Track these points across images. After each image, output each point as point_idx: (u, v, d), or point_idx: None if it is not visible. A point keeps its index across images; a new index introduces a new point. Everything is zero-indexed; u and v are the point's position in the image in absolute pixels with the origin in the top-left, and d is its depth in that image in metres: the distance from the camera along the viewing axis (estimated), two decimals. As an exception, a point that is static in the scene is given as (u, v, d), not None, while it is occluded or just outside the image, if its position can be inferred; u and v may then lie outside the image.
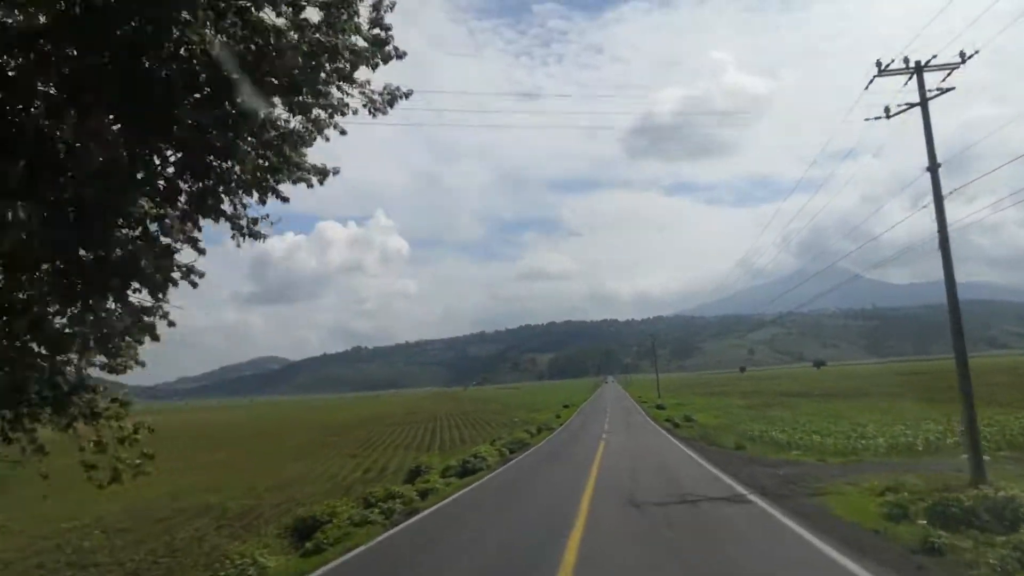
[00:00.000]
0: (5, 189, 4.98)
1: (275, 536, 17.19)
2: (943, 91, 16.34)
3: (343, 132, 7.43)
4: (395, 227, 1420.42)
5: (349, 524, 14.95)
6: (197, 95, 6.12)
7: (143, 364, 7.52)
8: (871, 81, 17.17)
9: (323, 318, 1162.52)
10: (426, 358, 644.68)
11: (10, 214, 4.79)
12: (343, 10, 6.50)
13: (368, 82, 7.14)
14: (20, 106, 5.60)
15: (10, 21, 5.16)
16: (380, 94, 7.23)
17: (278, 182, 7.05)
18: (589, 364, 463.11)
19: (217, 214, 6.81)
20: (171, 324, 7.32)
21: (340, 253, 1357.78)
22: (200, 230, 6.95)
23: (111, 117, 5.85)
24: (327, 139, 7.29)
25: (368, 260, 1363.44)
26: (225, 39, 5.81)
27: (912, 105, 16.55)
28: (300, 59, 6.24)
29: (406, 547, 12.94)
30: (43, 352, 6.61)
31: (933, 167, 16.30)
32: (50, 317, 6.39)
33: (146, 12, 5.26)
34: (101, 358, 7.18)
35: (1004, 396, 44.96)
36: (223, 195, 6.73)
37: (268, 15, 6.07)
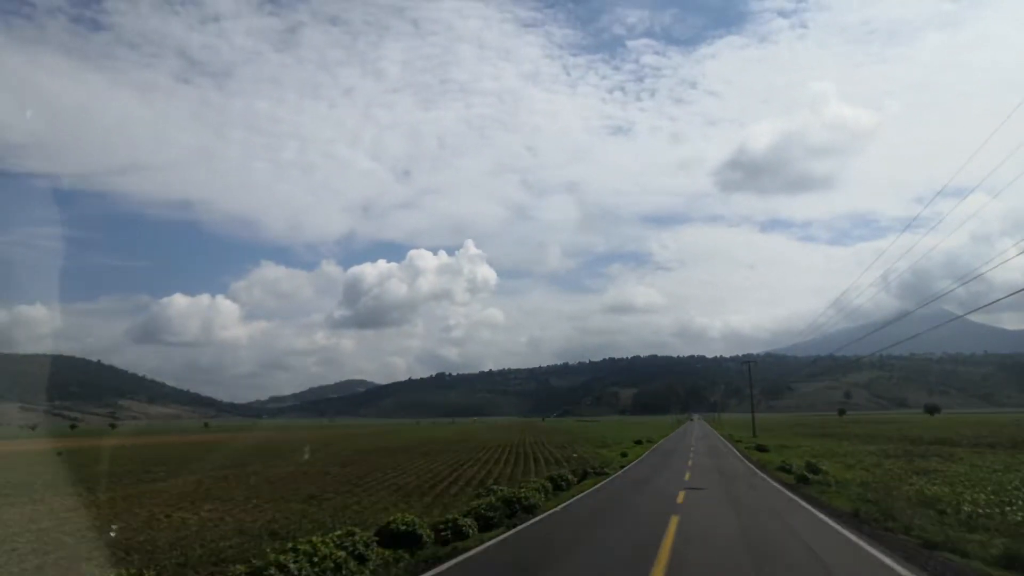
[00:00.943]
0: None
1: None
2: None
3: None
4: (484, 256, 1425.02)
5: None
6: None
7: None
8: None
9: (411, 344, 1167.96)
10: (508, 387, 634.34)
11: None
12: None
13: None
14: None
15: None
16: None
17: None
18: (673, 400, 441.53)
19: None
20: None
21: (430, 281, 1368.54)
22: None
23: None
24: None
25: (457, 289, 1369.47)
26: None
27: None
28: None
29: None
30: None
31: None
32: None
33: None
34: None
35: None
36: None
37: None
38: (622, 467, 36.79)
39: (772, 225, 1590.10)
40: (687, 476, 29.34)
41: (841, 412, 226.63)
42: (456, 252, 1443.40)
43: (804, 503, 19.95)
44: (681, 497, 21.29)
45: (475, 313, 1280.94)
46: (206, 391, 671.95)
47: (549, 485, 23.17)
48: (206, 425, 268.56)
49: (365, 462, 49.20)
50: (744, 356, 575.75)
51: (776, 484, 25.81)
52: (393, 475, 37.21)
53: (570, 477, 25.95)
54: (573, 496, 22.60)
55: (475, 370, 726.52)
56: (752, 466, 36.06)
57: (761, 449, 45.38)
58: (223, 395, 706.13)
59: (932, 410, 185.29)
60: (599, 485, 25.96)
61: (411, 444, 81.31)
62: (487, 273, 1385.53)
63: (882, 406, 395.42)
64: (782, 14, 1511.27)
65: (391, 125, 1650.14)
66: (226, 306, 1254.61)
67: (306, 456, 54.76)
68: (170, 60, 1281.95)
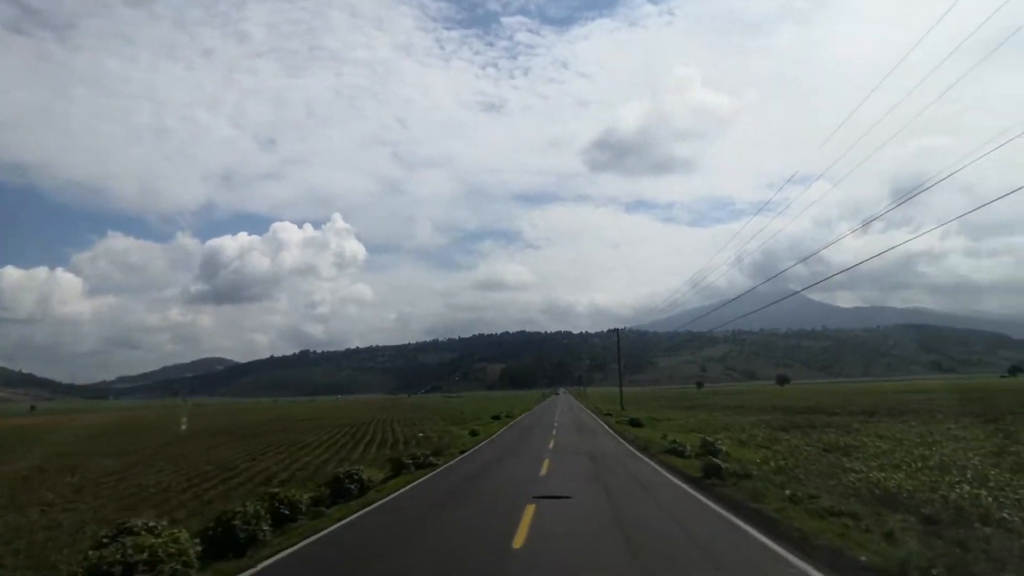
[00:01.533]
0: None
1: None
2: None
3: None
4: (352, 231, 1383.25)
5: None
6: None
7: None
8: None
9: (274, 321, 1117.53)
10: (376, 364, 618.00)
11: None
12: None
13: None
14: None
15: None
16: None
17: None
18: (541, 375, 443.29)
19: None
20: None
21: (294, 255, 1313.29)
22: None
23: None
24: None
25: (323, 263, 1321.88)
26: None
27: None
28: None
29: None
30: None
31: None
32: None
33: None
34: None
35: None
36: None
37: None
38: (462, 452, 28.15)
39: (637, 206, 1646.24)
40: (544, 467, 20.93)
41: (699, 385, 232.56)
42: (323, 226, 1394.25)
43: (758, 533, 10.77)
44: (525, 522, 11.99)
45: (342, 289, 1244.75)
46: (44, 372, 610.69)
47: (326, 491, 13.84)
48: (32, 408, 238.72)
49: (153, 452, 38.17)
50: (610, 331, 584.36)
51: (675, 479, 17.84)
52: (154, 472, 26.99)
53: (365, 478, 16.60)
54: (329, 525, 12.81)
55: (341, 347, 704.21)
56: (631, 447, 28.42)
57: (635, 424, 38.30)
58: (63, 376, 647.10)
59: (783, 381, 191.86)
60: (400, 492, 16.76)
61: (248, 424, 70.62)
62: (355, 248, 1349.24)
63: (734, 378, 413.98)
64: (651, 0, 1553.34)
65: (254, 91, 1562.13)
66: (67, 280, 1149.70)
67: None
68: (1, 7, 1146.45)
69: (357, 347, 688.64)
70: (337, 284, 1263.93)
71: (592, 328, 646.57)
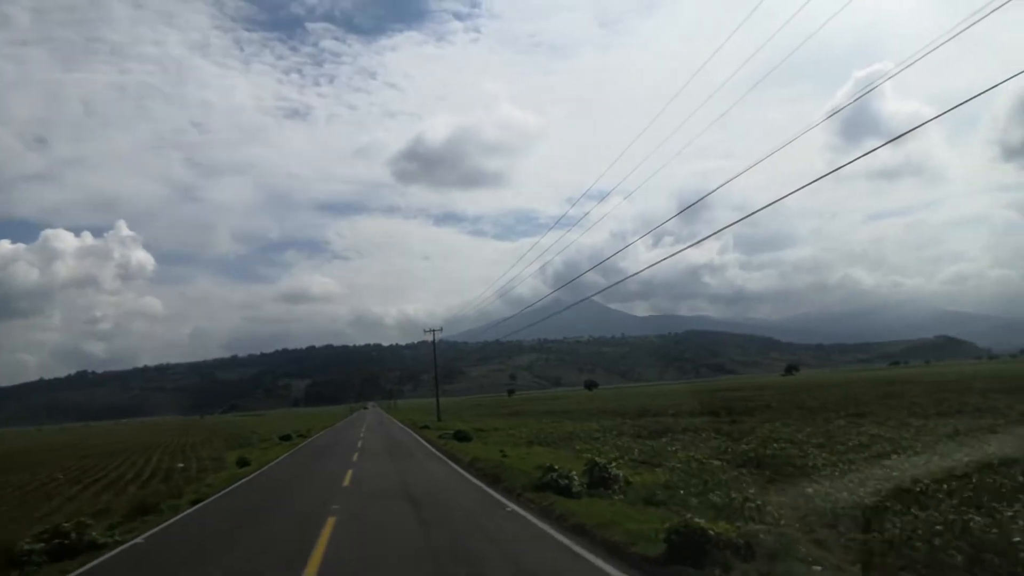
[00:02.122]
0: None
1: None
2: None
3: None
4: (139, 239, 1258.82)
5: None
6: None
7: None
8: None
9: (45, 338, 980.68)
10: (168, 383, 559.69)
11: None
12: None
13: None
14: None
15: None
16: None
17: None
18: (349, 390, 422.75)
19: None
20: None
21: (70, 266, 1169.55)
22: None
23: None
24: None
25: (105, 275, 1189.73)
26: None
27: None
28: None
29: None
30: None
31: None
32: None
33: None
34: None
35: None
36: None
37: None
38: (195, 503, 17.47)
39: (446, 219, 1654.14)
40: (322, 540, 11.25)
41: (510, 392, 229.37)
42: (105, 234, 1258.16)
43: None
44: None
45: (128, 303, 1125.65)
46: None
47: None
48: None
49: None
50: (420, 342, 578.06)
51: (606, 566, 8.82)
52: None
53: None
54: None
55: (128, 366, 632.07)
56: (475, 478, 19.24)
57: (462, 437, 29.35)
58: None
59: (591, 386, 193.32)
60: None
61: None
62: (143, 258, 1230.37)
63: (542, 385, 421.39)
64: (458, 17, 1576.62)
65: (19, 82, 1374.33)
66: None
67: None
68: None
69: (145, 366, 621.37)
70: (122, 298, 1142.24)
71: (403, 340, 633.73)
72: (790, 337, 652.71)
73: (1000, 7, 8.94)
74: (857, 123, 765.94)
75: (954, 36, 9.71)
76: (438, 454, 27.24)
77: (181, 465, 31.53)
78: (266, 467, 27.23)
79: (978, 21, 9.31)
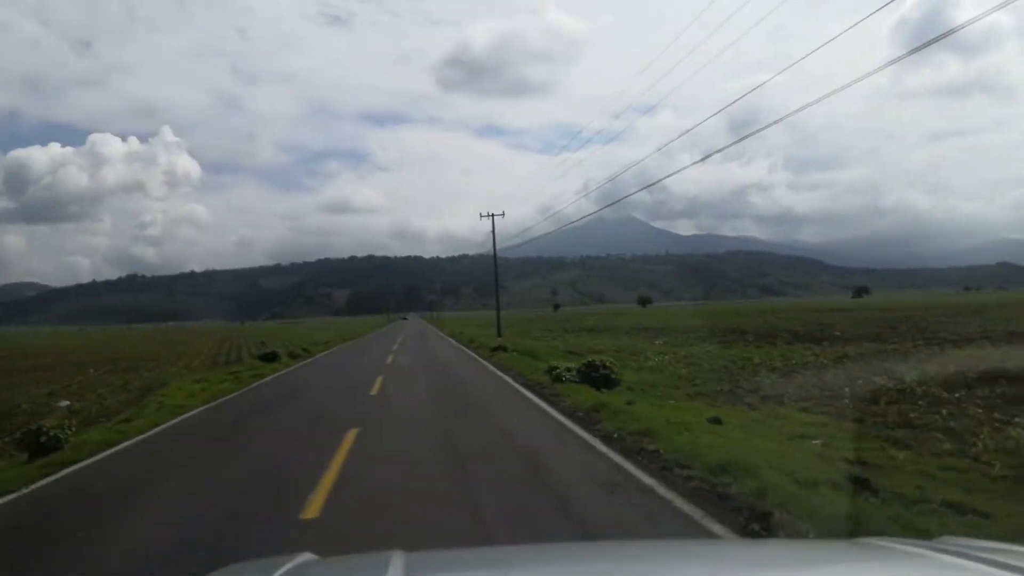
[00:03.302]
0: None
1: None
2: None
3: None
4: (185, 146, 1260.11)
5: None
6: None
7: None
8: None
9: (97, 243, 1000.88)
10: (212, 289, 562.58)
11: None
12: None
13: None
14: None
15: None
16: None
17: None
18: (390, 301, 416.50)
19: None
20: None
21: (118, 171, 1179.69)
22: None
23: None
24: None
25: (152, 181, 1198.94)
26: None
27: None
28: None
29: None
30: None
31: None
32: None
33: None
34: None
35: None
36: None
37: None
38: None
39: (488, 132, 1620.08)
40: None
41: (556, 307, 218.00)
42: (150, 139, 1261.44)
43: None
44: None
45: (174, 209, 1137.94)
46: None
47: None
48: None
49: None
50: (461, 255, 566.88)
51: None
52: None
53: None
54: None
55: (175, 271, 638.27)
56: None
57: (600, 384, 15.20)
58: None
59: (644, 302, 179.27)
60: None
61: None
62: (188, 164, 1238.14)
63: (584, 301, 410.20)
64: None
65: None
66: None
67: None
68: None
69: (192, 271, 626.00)
70: (169, 204, 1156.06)
71: (443, 253, 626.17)
72: (838, 260, 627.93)
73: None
74: (926, 36, 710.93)
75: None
76: (538, 402, 12.69)
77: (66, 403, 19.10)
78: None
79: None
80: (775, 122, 12.42)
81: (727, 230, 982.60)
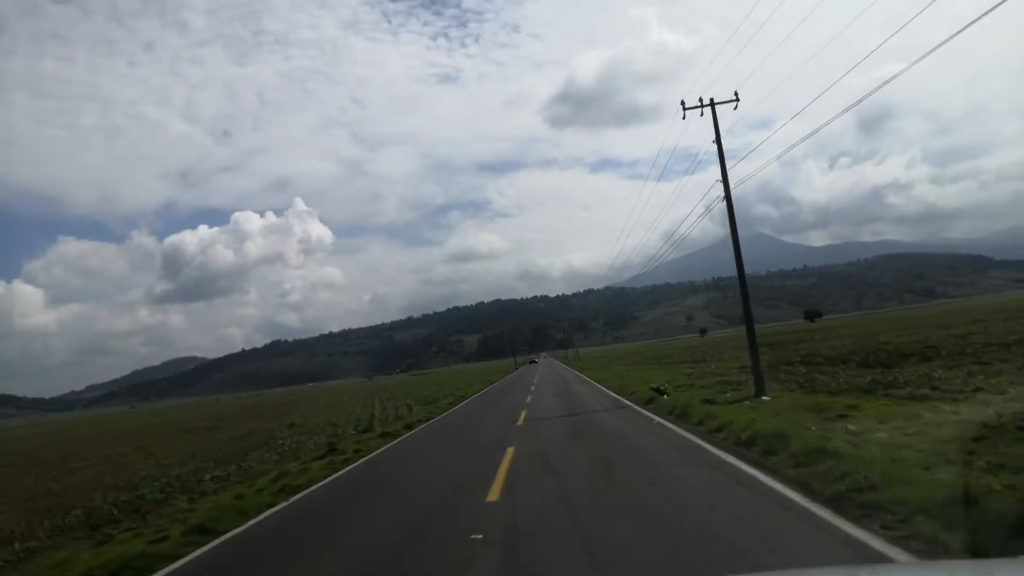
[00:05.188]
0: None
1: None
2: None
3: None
4: (315, 213, 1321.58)
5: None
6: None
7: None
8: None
9: (246, 313, 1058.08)
10: (350, 347, 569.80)
11: None
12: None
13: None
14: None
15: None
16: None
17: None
18: (519, 341, 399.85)
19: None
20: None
21: (258, 244, 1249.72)
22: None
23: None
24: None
25: (289, 250, 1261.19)
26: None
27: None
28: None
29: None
30: None
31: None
32: None
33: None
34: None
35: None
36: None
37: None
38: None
39: (602, 165, 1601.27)
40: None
41: (702, 332, 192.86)
42: (285, 212, 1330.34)
43: None
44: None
45: (311, 274, 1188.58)
46: (8, 388, 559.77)
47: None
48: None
49: None
50: (585, 291, 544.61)
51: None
52: None
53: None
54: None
55: (315, 333, 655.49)
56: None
57: None
58: (29, 390, 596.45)
59: (812, 316, 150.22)
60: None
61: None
62: (320, 231, 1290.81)
63: (721, 324, 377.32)
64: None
65: (203, 82, 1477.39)
66: (25, 291, 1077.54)
67: None
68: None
69: (330, 332, 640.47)
70: (306, 270, 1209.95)
71: (568, 290, 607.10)
72: (1003, 254, 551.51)
73: None
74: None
75: None
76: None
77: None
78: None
79: None
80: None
81: (866, 236, 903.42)
